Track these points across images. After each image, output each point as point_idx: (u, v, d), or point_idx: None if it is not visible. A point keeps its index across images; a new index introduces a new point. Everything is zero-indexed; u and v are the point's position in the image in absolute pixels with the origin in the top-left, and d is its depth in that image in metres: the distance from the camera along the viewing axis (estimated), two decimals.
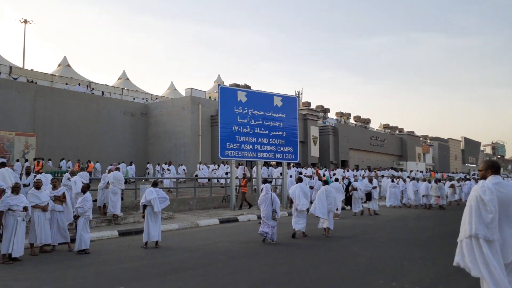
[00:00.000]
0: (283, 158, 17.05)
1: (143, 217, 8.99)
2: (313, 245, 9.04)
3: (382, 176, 29.28)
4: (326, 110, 50.20)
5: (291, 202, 10.44)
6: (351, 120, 54.98)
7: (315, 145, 39.14)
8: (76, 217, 8.09)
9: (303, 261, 7.44)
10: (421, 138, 65.71)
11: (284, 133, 17.02)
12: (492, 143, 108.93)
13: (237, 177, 18.13)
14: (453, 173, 52.58)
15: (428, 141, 69.60)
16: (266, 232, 9.18)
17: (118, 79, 49.16)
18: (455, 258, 3.94)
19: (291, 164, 21.16)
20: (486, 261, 3.70)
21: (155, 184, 9.29)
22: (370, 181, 16.81)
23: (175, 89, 52.00)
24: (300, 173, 21.25)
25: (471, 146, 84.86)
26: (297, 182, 10.90)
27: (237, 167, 18.41)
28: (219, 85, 15.81)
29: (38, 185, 8.02)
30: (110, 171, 12.82)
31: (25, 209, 7.37)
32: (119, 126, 33.54)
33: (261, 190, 10.04)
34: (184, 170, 26.00)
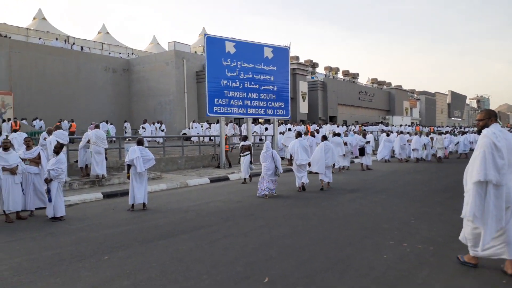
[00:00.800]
0: (274, 114, 16.32)
1: (128, 177, 8.32)
2: (310, 203, 8.56)
3: (371, 132, 28.98)
4: (314, 65, 48.99)
5: (291, 157, 10.27)
6: (340, 75, 54.03)
7: (304, 101, 38.37)
8: (48, 181, 7.31)
9: (302, 220, 6.95)
10: (408, 93, 65.44)
11: (275, 88, 16.18)
12: (477, 96, 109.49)
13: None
14: (438, 127, 52.86)
15: (415, 95, 69.37)
16: (270, 188, 9.38)
17: (98, 33, 46.63)
18: (465, 210, 4.16)
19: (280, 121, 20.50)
20: (489, 206, 3.94)
21: (139, 143, 8.53)
22: (364, 135, 16.32)
23: (158, 43, 49.72)
24: (289, 129, 20.67)
25: (457, 100, 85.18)
26: (296, 137, 10.61)
27: (227, 125, 17.67)
28: (205, 34, 14.65)
29: (6, 146, 7.18)
30: (49, 130, 11.87)
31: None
32: (100, 83, 32.05)
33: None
34: (160, 128, 25.15)
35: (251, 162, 12.18)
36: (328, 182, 10.57)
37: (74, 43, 36.22)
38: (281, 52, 16.38)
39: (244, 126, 19.38)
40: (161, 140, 17.62)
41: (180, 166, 15.31)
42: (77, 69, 30.17)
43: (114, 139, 18.72)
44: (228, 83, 14.88)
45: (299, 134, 10.83)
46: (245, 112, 15.33)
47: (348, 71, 55.44)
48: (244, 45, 15.34)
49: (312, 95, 41.07)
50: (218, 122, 18.95)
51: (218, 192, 10.39)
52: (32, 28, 37.27)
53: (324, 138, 11.10)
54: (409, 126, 43.24)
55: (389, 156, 19.47)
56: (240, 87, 15.17)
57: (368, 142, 16.01)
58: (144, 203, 8.23)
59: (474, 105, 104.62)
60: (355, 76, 56.67)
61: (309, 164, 10.38)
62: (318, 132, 16.28)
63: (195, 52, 37.38)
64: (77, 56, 31.40)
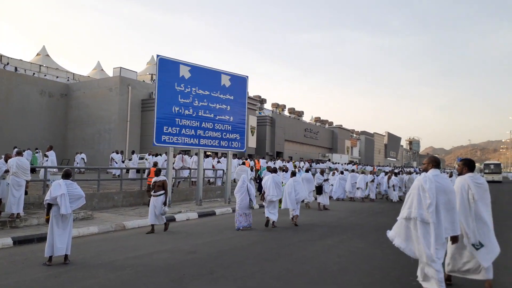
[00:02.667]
0: (229, 146, 14.87)
1: (47, 220, 6.31)
2: (282, 253, 7.06)
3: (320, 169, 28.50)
4: (262, 101, 48.85)
5: (263, 192, 10.26)
6: (286, 112, 54.40)
7: (252, 135, 37.48)
8: None
9: (278, 282, 5.43)
10: (350, 132, 67.67)
11: (231, 118, 14.82)
12: (409, 139, 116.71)
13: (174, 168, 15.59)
14: (378, 166, 54.44)
15: (354, 135, 71.89)
16: (245, 225, 9.52)
17: (37, 55, 42.89)
18: (390, 233, 4.71)
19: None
20: (419, 239, 4.37)
21: (67, 175, 6.61)
22: (322, 173, 15.33)
23: (102, 69, 46.85)
24: (243, 163, 19.28)
25: (393, 141, 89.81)
26: (271, 173, 10.57)
27: (174, 156, 15.85)
28: (157, 55, 13.06)
29: None
30: (7, 157, 9.63)
31: None
32: (35, 108, 28.93)
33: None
34: (83, 159, 23.02)
35: (165, 204, 9.29)
36: (297, 216, 10.64)
37: (8, 63, 32.69)
38: (239, 81, 15.21)
39: (193, 158, 17.65)
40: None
41: (117, 203, 13.14)
42: (8, 91, 26.92)
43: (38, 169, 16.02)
44: (180, 110, 13.27)
45: (274, 170, 10.73)
46: (197, 143, 13.71)
47: (293, 109, 56.04)
48: (200, 70, 13.96)
49: (261, 130, 40.41)
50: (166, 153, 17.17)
51: (163, 238, 8.51)
52: None
53: (293, 174, 10.96)
54: (347, 164, 43.71)
55: (344, 195, 18.70)
56: (194, 115, 13.62)
57: (326, 180, 15.03)
58: (66, 255, 6.23)
59: (406, 146, 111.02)
60: (300, 114, 57.40)
61: (280, 200, 10.48)
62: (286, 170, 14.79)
63: (143, 81, 35.37)
64: (10, 77, 28.19)
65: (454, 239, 4.54)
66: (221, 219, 11.52)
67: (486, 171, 48.46)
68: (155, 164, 14.75)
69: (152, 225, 9.22)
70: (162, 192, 9.30)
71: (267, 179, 10.27)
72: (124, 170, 17.12)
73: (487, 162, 54.96)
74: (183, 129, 13.31)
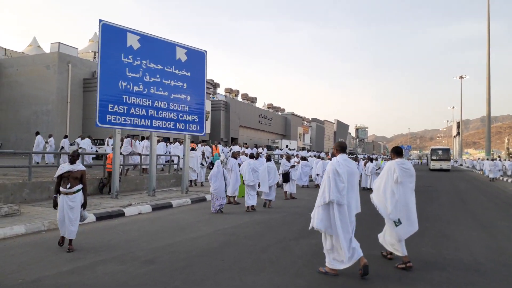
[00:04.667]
0: (186, 129, 13.18)
1: None
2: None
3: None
4: (216, 85, 46.97)
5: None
6: (239, 98, 52.91)
7: (206, 120, 35.64)
8: None
9: None
10: (302, 119, 67.74)
11: (188, 98, 13.12)
12: (356, 126, 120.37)
13: (121, 154, 13.67)
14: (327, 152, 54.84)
15: (305, 122, 72.23)
16: (222, 204, 9.94)
17: None
18: (313, 222, 4.89)
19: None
20: (335, 221, 4.69)
21: None
22: (288, 159, 14.18)
23: (39, 46, 42.20)
24: (192, 149, 17.68)
25: (342, 128, 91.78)
26: (250, 158, 10.91)
27: (122, 140, 13.89)
28: (100, 20, 10.98)
29: None
30: None
31: None
32: None
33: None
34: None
35: (84, 206, 6.43)
36: (270, 201, 11.11)
37: None
38: (197, 56, 13.49)
39: (144, 143, 15.76)
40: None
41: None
42: None
43: None
44: (128, 86, 11.38)
45: (251, 156, 11.09)
46: (149, 124, 11.91)
47: (247, 94, 54.66)
48: (151, 40, 12.07)
49: (215, 115, 38.71)
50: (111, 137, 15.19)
51: (110, 241, 6.83)
52: None
53: (268, 159, 11.17)
54: (294, 149, 43.00)
55: (307, 182, 17.78)
56: (145, 92, 11.78)
57: (293, 167, 13.89)
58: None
59: (354, 134, 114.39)
60: (254, 100, 56.12)
61: (259, 184, 10.71)
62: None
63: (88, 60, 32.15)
64: None
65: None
66: (180, 213, 9.96)
67: (434, 157, 42.00)
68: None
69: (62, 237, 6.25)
70: (79, 187, 6.30)
71: (244, 164, 10.58)
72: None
73: (434, 147, 46.66)
74: (132, 108, 11.45)
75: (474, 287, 4.51)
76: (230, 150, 22.73)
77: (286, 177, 13.54)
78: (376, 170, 16.54)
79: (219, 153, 20.10)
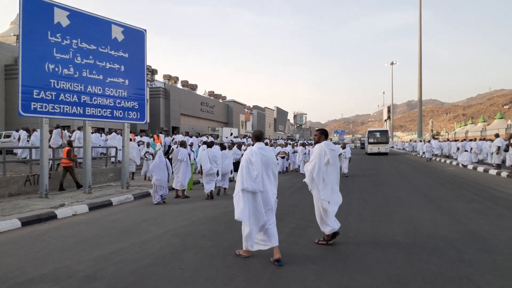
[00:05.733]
0: (125, 117, 11.90)
1: None
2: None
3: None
4: (153, 71, 44.65)
5: (201, 167, 10.47)
6: (179, 85, 50.98)
7: None
8: None
9: None
10: (244, 107, 67.30)
11: (127, 82, 11.82)
12: (296, 113, 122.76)
13: (50, 147, 12.06)
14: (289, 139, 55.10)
15: (246, 109, 71.99)
16: (164, 193, 9.80)
17: None
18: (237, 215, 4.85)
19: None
20: (250, 209, 4.82)
21: None
22: (239, 147, 13.48)
23: None
24: (130, 140, 16.36)
25: (281, 115, 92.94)
26: (208, 147, 10.71)
27: (50, 132, 12.25)
28: None
29: None
30: None
31: None
32: None
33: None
34: None
35: None
36: (225, 189, 11.31)
37: None
38: (135, 35, 12.15)
39: (76, 133, 14.14)
40: None
41: None
42: None
43: None
44: (56, 69, 9.87)
45: (209, 144, 10.78)
46: (82, 112, 10.50)
47: (187, 81, 52.82)
48: (82, 17, 10.57)
49: (154, 103, 36.78)
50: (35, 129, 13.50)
51: (39, 251, 5.69)
52: None
53: (223, 147, 11.38)
54: (235, 137, 42.49)
55: None
56: (76, 76, 10.32)
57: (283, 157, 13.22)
58: None
59: (292, 121, 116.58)
60: (194, 87, 54.42)
61: (217, 173, 10.64)
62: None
63: (11, 45, 28.65)
64: None
65: None
66: (122, 212, 8.87)
67: (371, 140, 40.25)
68: (70, 143, 11.71)
69: None
70: None
71: (202, 153, 10.48)
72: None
73: (371, 129, 43.12)
74: (62, 94, 9.99)
75: (469, 281, 4.16)
76: (172, 140, 21.51)
77: (236, 165, 12.89)
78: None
79: (161, 143, 18.82)
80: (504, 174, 15.59)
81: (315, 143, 5.75)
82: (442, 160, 26.73)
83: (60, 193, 11.09)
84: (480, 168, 18.65)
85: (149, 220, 7.66)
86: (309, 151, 17.65)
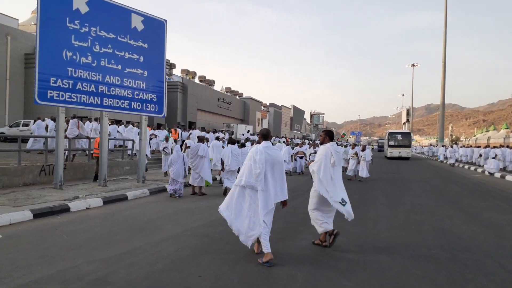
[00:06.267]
0: (143, 109, 11.58)
1: None
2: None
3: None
4: (172, 65, 44.52)
5: (223, 163, 10.37)
6: (196, 80, 50.79)
7: None
8: None
9: None
10: (260, 104, 66.83)
11: (146, 73, 11.48)
12: (313, 112, 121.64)
13: (66, 137, 11.83)
14: (293, 138, 54.60)
15: (263, 107, 71.50)
16: (175, 189, 9.74)
17: None
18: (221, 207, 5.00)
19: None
20: (244, 203, 4.82)
21: None
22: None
23: None
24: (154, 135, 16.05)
25: (298, 114, 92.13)
26: (229, 144, 10.74)
27: (67, 122, 12.02)
28: None
29: None
30: None
31: None
32: None
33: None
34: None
35: None
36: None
37: None
38: (156, 25, 11.81)
39: (93, 124, 13.92)
40: None
41: None
42: None
43: None
44: (74, 57, 9.59)
45: (233, 142, 10.79)
46: (99, 103, 10.20)
47: (204, 77, 52.58)
48: (102, 4, 10.26)
49: (172, 97, 36.58)
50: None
51: (48, 248, 5.35)
52: None
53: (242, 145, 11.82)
54: (252, 134, 42.03)
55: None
56: (94, 65, 10.03)
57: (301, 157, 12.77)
58: None
59: (308, 120, 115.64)
60: (211, 82, 54.19)
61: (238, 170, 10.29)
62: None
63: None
64: None
65: (284, 203, 4.89)
66: (137, 207, 8.52)
67: (391, 143, 36.65)
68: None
69: None
70: None
71: (226, 149, 10.47)
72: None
73: (392, 130, 39.61)
74: (79, 83, 9.70)
75: None
76: (189, 135, 21.22)
77: None
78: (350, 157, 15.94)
79: (178, 138, 18.52)
80: None
81: (320, 144, 5.70)
82: (466, 167, 25.75)
83: (75, 185, 10.83)
84: (510, 177, 17.75)
85: (165, 218, 7.28)
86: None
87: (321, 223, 5.37)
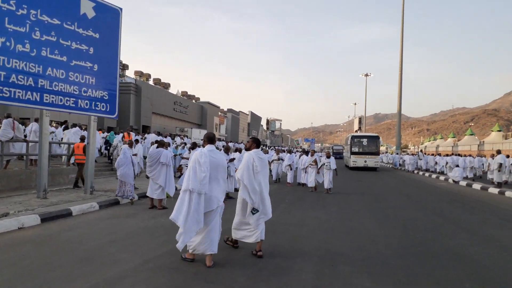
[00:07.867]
0: (92, 108, 9.98)
1: None
2: None
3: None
4: (124, 66, 42.12)
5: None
6: (151, 82, 48.57)
7: None
8: None
9: None
10: (218, 109, 65.57)
11: (96, 67, 9.92)
12: (269, 119, 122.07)
13: None
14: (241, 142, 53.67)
15: (220, 113, 70.34)
16: (124, 191, 9.29)
17: None
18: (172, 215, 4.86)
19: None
20: (189, 210, 4.68)
21: None
22: (227, 151, 11.80)
23: None
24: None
25: (255, 120, 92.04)
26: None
27: (0, 122, 10.12)
28: None
29: None
30: None
31: None
32: None
33: None
34: None
35: None
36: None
37: None
38: (109, 14, 10.30)
39: (32, 126, 12.04)
40: None
41: None
42: None
43: None
44: (8, 44, 7.91)
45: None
46: (38, 99, 8.53)
47: (159, 80, 50.44)
48: None
49: (124, 99, 34.31)
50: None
51: (25, 266, 3.85)
52: None
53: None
54: (219, 140, 40.80)
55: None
56: (33, 54, 8.37)
57: (232, 160, 11.59)
58: None
59: (264, 126, 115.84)
60: (167, 86, 52.12)
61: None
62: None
63: None
64: None
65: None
66: (83, 225, 7.02)
67: (355, 149, 29.86)
68: (83, 139, 10.03)
69: None
70: None
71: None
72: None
73: (355, 134, 34.69)
74: (14, 76, 8.01)
75: None
76: (144, 139, 19.56)
77: None
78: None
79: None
80: (509, 193, 14.44)
81: (246, 150, 5.80)
82: (427, 174, 25.92)
83: (7, 197, 9.04)
84: (476, 186, 17.76)
85: (119, 242, 5.88)
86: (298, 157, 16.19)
87: (237, 230, 5.49)
